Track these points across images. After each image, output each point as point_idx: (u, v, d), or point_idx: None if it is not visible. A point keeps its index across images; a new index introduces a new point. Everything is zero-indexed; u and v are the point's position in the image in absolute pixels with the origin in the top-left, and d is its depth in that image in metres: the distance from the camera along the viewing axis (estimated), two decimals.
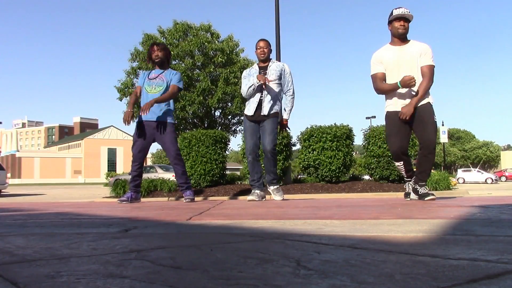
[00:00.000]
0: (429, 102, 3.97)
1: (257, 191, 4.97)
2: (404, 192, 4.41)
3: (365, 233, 1.72)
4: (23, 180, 78.16)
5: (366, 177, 8.48)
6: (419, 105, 3.93)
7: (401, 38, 3.98)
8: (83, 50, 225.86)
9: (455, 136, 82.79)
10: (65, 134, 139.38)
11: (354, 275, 0.97)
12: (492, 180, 39.31)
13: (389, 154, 6.25)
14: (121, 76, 34.69)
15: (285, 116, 5.01)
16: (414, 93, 3.93)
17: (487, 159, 79.00)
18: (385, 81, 4.04)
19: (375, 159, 7.50)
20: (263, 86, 4.83)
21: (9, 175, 19.61)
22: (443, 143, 34.43)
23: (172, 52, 21.56)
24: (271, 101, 4.87)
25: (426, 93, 3.93)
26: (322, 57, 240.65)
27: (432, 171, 4.91)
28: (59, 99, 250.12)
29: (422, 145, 3.97)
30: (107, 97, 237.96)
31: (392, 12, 4.01)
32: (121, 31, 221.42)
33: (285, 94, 5.02)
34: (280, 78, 4.92)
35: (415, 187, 4.13)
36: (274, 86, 4.88)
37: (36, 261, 1.23)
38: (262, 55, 4.94)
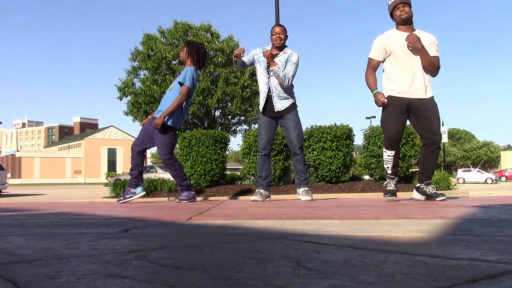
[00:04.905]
0: (432, 96, 3.82)
1: (261, 191, 4.79)
2: (385, 190, 4.14)
3: (365, 233, 1.72)
4: (23, 180, 78.15)
5: (366, 177, 8.48)
6: (422, 97, 3.77)
7: (406, 23, 3.81)
8: (83, 50, 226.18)
9: (456, 136, 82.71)
10: (65, 134, 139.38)
11: (354, 275, 0.97)
12: (492, 180, 39.29)
13: None
14: (122, 76, 34.69)
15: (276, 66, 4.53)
16: (420, 85, 3.76)
17: (487, 159, 78.94)
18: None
19: (375, 159, 7.50)
20: (268, 71, 4.62)
21: (9, 175, 19.60)
22: (443, 143, 34.46)
23: (172, 52, 21.81)
24: (281, 98, 4.65)
25: (431, 61, 3.76)
26: (322, 57, 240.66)
27: None
28: (59, 99, 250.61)
29: (428, 140, 3.77)
30: (107, 97, 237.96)
31: (388, 3, 3.88)
32: (122, 31, 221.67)
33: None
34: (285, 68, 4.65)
35: (421, 186, 3.92)
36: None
37: (36, 261, 1.23)
38: (278, 42, 4.66)
